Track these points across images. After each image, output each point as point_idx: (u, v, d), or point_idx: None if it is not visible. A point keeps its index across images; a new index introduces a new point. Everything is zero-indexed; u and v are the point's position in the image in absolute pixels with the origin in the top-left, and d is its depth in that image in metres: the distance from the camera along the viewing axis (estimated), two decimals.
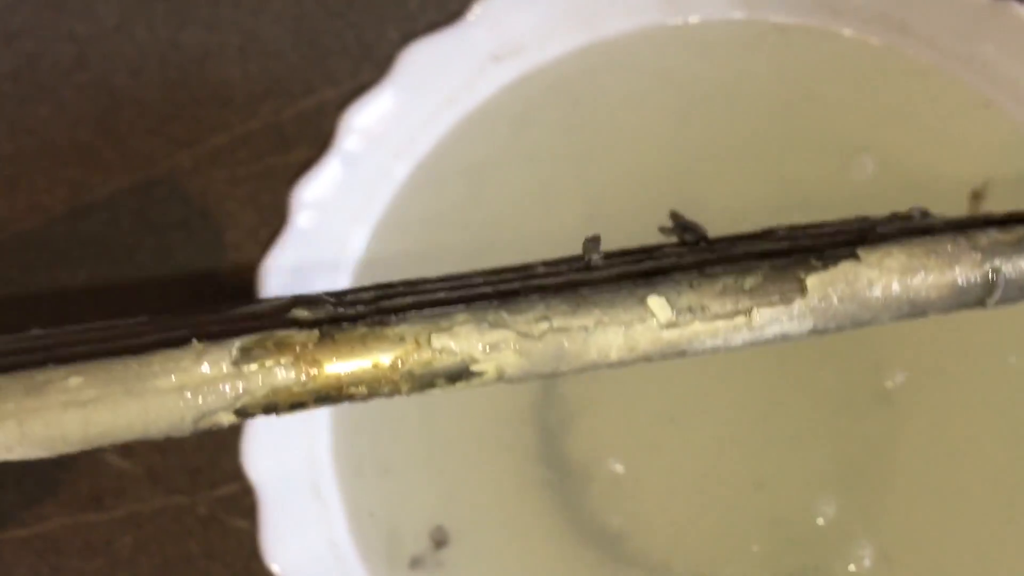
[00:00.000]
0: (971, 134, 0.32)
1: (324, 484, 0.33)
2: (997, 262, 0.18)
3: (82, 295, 0.40)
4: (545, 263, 0.22)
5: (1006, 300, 0.18)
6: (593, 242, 0.21)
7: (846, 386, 0.34)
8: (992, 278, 0.18)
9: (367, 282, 0.25)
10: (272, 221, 0.41)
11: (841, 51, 0.33)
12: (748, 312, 0.18)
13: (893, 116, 0.34)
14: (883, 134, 0.33)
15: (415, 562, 0.33)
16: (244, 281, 0.35)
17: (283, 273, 0.33)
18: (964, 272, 0.18)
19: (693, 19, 0.34)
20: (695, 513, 0.34)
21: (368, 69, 0.41)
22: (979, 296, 0.18)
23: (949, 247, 0.18)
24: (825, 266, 0.18)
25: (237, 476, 0.33)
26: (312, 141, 0.41)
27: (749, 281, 0.18)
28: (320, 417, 0.33)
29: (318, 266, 0.33)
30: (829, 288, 0.18)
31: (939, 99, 0.32)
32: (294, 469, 0.32)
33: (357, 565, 0.32)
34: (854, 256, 0.18)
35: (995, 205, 0.32)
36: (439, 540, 0.33)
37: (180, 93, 0.42)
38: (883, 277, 0.18)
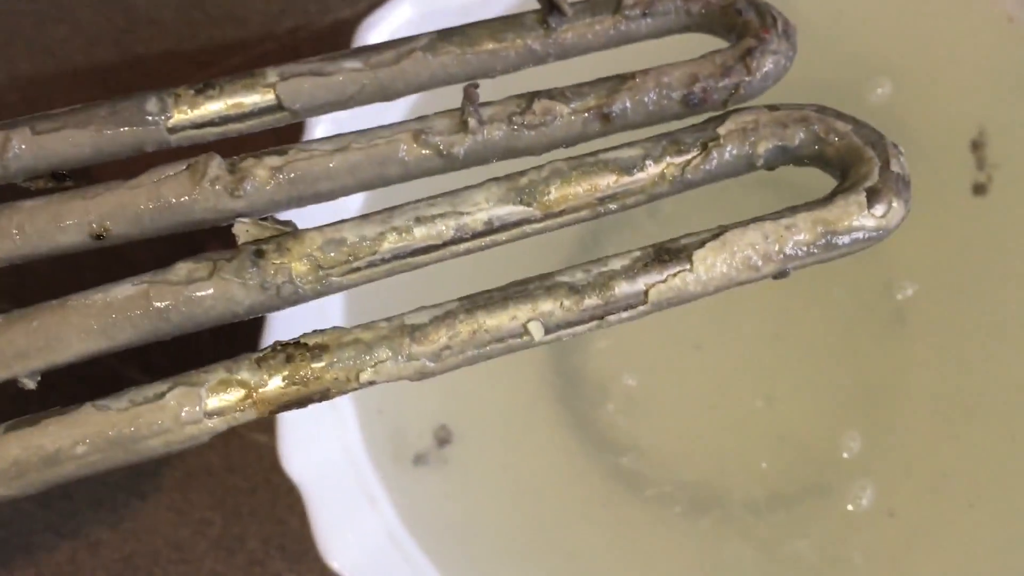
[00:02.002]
0: (992, 52, 0.31)
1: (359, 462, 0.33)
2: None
3: None
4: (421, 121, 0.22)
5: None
6: (473, 91, 0.22)
7: (857, 303, 0.34)
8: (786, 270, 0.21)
9: None
10: (287, 141, 0.41)
11: None
12: (602, 317, 0.21)
13: (913, 36, 0.33)
14: (902, 56, 0.33)
15: (419, 459, 0.34)
16: None
17: None
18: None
19: None
20: (705, 428, 0.35)
21: None
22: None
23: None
24: (665, 280, 0.21)
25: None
26: None
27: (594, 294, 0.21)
28: (333, 315, 0.33)
29: None
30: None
31: (961, 16, 0.32)
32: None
33: (366, 462, 0.32)
34: (688, 267, 0.20)
35: (994, 152, 0.32)
36: (443, 439, 0.34)
37: (196, 13, 0.42)
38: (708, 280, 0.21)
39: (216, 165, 0.21)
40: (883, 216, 0.21)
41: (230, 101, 0.22)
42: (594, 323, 0.21)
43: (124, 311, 0.20)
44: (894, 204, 0.21)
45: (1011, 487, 0.30)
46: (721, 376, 0.35)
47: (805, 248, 0.21)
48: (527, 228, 0.22)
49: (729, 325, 0.34)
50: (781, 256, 0.21)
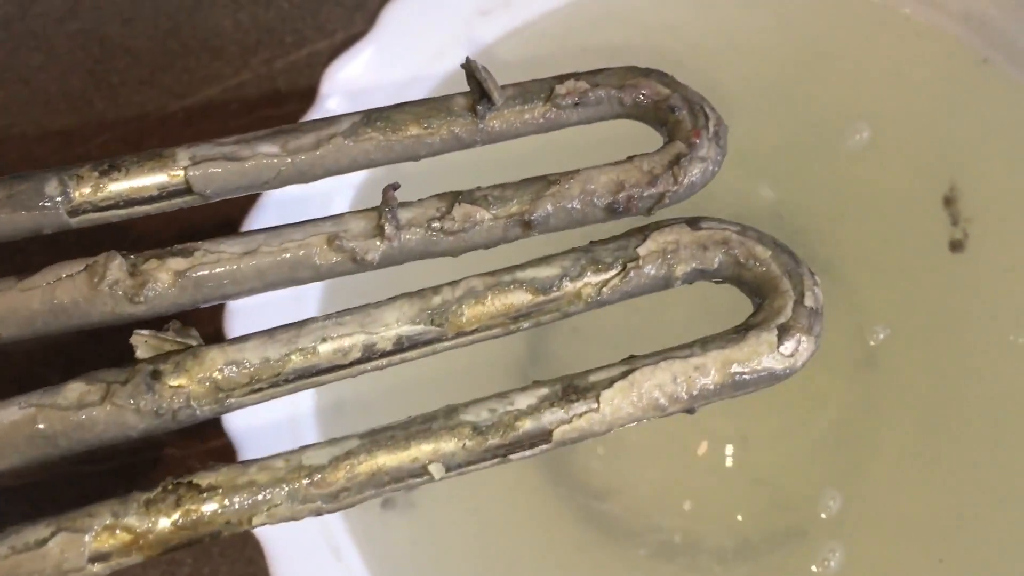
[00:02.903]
0: (966, 93, 0.31)
1: (303, 421, 0.33)
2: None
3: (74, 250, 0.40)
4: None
5: None
6: (391, 194, 0.21)
7: (832, 345, 0.34)
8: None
9: None
10: None
11: (835, 7, 0.32)
12: (505, 456, 0.20)
13: (890, 80, 0.33)
14: (881, 101, 0.33)
15: (387, 502, 0.33)
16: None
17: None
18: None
19: None
20: (678, 471, 0.34)
21: (361, 19, 0.41)
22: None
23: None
24: (571, 421, 0.20)
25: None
26: (304, 93, 0.41)
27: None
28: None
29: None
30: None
31: (935, 59, 0.31)
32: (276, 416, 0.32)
33: None
34: (595, 407, 0.20)
35: (967, 206, 0.32)
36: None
37: (171, 42, 0.42)
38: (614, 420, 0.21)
39: (116, 267, 0.20)
40: (791, 355, 0.21)
41: (136, 183, 0.21)
42: (496, 460, 0.20)
43: (9, 437, 0.19)
44: (803, 343, 0.21)
45: (981, 540, 0.30)
46: (695, 419, 0.35)
47: (712, 389, 0.21)
48: (437, 347, 0.21)
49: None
50: (687, 398, 0.21)
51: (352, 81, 0.32)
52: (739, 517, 0.32)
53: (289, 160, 0.22)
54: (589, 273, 0.21)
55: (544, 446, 0.21)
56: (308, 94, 0.41)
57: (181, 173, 0.21)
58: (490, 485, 0.35)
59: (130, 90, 0.42)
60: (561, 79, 0.23)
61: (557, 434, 0.20)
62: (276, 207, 0.32)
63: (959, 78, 0.31)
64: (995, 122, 0.31)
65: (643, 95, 0.23)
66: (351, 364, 0.21)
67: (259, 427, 0.32)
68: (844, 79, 0.33)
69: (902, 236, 0.32)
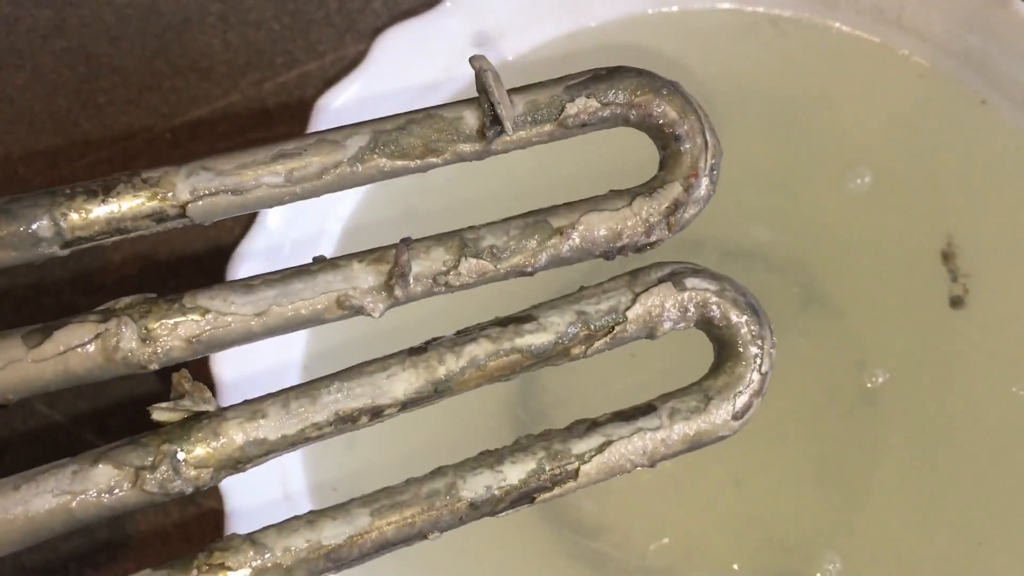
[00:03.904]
0: (966, 138, 0.31)
1: (289, 456, 0.33)
2: None
3: (58, 271, 0.40)
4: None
5: None
6: (403, 256, 0.22)
7: (829, 386, 0.34)
8: None
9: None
10: None
11: (836, 47, 0.32)
12: (491, 514, 0.23)
13: (891, 123, 0.33)
14: (881, 144, 0.33)
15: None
16: (218, 263, 0.34)
17: (255, 258, 0.32)
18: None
19: (680, 7, 0.33)
20: (672, 510, 0.34)
21: (352, 41, 0.40)
22: None
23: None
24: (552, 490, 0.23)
25: None
26: (294, 116, 0.40)
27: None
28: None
29: (288, 257, 0.32)
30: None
31: (935, 101, 0.31)
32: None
33: None
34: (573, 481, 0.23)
35: (965, 261, 0.32)
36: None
37: (159, 62, 0.41)
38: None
39: (129, 336, 0.21)
40: (744, 421, 0.23)
41: (130, 213, 0.21)
42: (484, 518, 0.23)
43: (44, 521, 0.20)
44: (754, 406, 0.23)
45: None
46: (690, 458, 0.35)
47: (671, 453, 0.24)
48: (435, 401, 0.23)
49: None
50: (648, 462, 0.23)
51: (343, 112, 0.32)
52: (733, 563, 0.32)
53: (293, 188, 0.22)
54: (580, 338, 0.23)
55: (526, 507, 0.23)
56: (298, 115, 0.41)
57: (181, 207, 0.21)
58: (480, 523, 0.34)
59: (117, 110, 0.41)
60: (571, 90, 0.23)
61: (538, 500, 0.23)
62: (267, 238, 0.31)
63: (958, 121, 0.31)
64: (993, 169, 0.31)
65: (651, 115, 0.23)
66: (356, 426, 0.22)
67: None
68: (845, 120, 0.32)
69: (902, 288, 0.32)
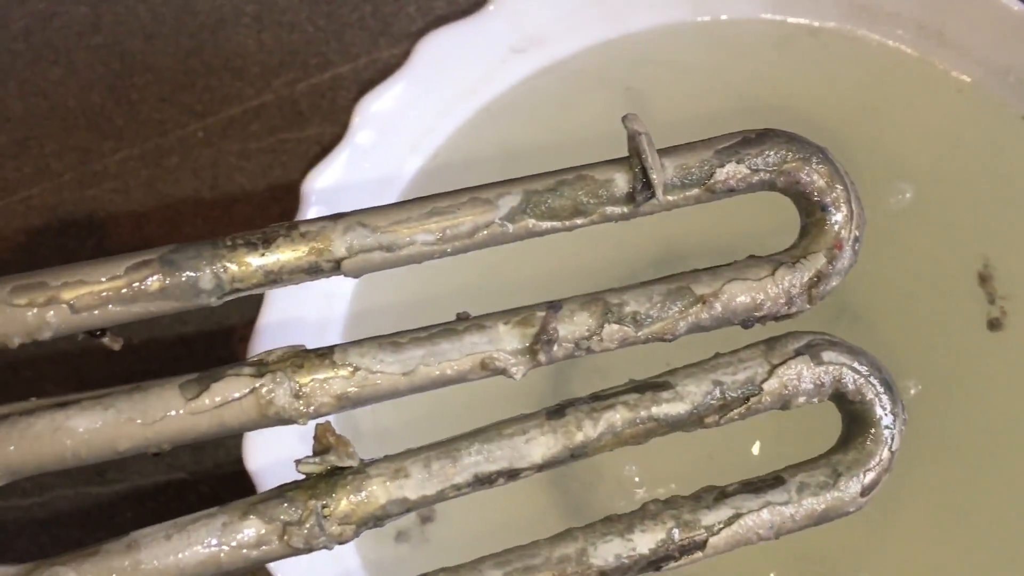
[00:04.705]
0: (1006, 154, 0.31)
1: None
2: None
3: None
4: None
5: None
6: (551, 325, 0.22)
7: None
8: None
9: None
10: (283, 198, 0.40)
11: (875, 60, 0.32)
12: None
13: (932, 139, 0.33)
14: (923, 160, 0.32)
15: (401, 535, 0.33)
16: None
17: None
18: None
19: (722, 17, 0.33)
20: None
21: (386, 44, 0.40)
22: None
23: None
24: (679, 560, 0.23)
25: (239, 458, 0.33)
26: (326, 117, 0.40)
27: None
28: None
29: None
30: None
31: (975, 116, 0.31)
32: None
33: None
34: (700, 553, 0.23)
35: (1003, 284, 0.31)
36: (426, 516, 0.33)
37: (193, 61, 0.41)
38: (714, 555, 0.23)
39: (282, 393, 0.21)
40: (870, 497, 0.23)
41: (288, 267, 0.22)
42: None
43: (195, 572, 0.20)
44: (881, 483, 0.23)
45: None
46: (723, 472, 0.35)
47: (799, 527, 0.23)
48: (568, 463, 0.23)
49: (736, 427, 0.33)
50: (776, 535, 0.23)
51: (384, 114, 0.32)
52: (770, 573, 0.32)
53: (443, 247, 0.22)
54: (715, 410, 0.23)
55: (651, 574, 0.23)
56: (331, 117, 0.41)
57: (336, 262, 0.22)
58: (508, 524, 0.34)
59: (150, 107, 0.41)
60: (720, 155, 0.23)
61: (664, 568, 0.23)
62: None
63: (997, 137, 0.31)
64: None
65: (799, 183, 0.23)
66: (492, 487, 0.22)
67: (276, 461, 0.32)
68: (885, 133, 0.32)
69: (937, 306, 0.32)
